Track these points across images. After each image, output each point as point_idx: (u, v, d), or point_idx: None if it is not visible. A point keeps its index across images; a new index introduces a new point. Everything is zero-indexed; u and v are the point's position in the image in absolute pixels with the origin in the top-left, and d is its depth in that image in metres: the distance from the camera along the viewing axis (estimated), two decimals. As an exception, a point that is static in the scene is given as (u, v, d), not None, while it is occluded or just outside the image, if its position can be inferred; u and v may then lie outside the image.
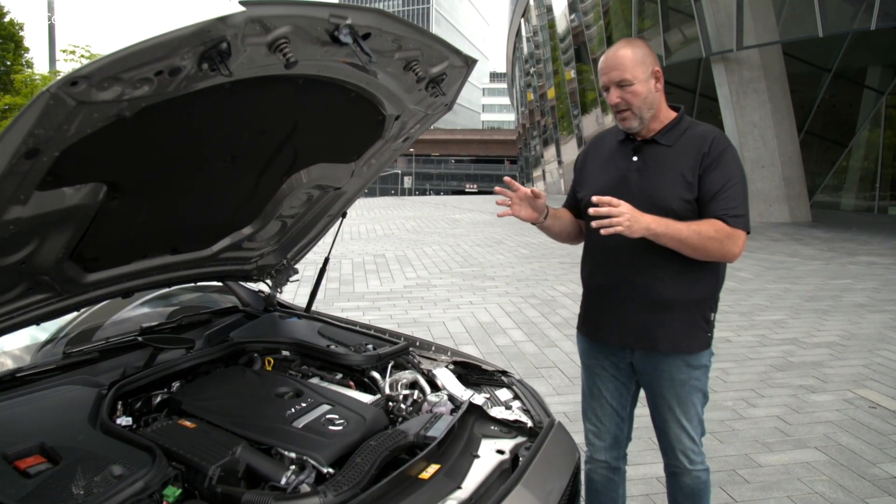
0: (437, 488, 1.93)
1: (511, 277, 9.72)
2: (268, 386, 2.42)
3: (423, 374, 2.72)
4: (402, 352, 2.82)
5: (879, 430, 4.36)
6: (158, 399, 2.39)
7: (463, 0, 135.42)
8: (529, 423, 2.40)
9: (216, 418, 2.15)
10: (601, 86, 2.46)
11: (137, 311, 3.22)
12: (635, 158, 2.47)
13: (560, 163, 32.90)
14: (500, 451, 2.18)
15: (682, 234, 2.27)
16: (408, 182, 75.04)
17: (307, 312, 3.36)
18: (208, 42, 1.55)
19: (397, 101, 2.40)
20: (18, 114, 1.42)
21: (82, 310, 2.90)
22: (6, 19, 31.19)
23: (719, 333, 6.68)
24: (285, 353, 2.81)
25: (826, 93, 18.93)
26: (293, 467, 1.94)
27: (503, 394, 2.68)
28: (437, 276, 9.97)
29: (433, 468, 1.99)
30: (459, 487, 1.96)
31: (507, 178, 2.55)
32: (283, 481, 1.88)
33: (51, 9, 19.34)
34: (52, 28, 19.14)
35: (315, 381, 2.63)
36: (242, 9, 1.52)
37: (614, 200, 2.20)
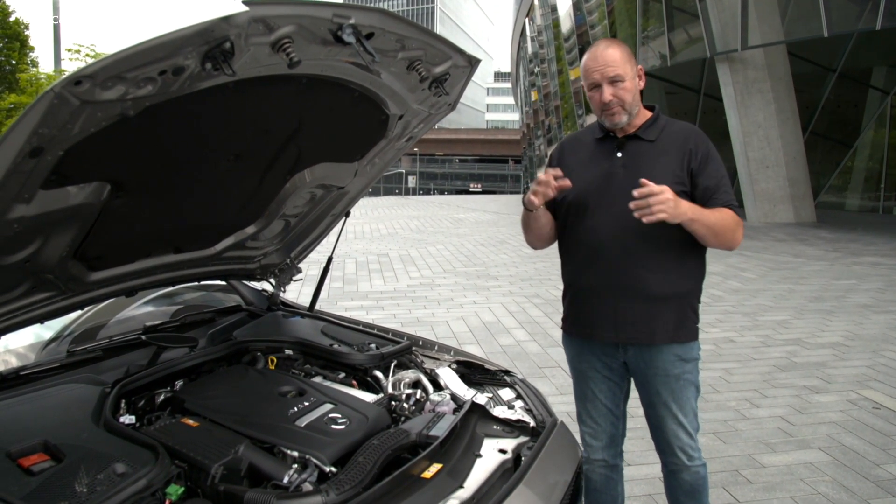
0: (440, 487, 1.93)
1: (514, 277, 9.72)
2: (271, 385, 2.43)
3: (425, 373, 2.72)
4: (404, 351, 2.82)
5: (883, 431, 4.35)
6: (162, 397, 2.40)
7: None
8: (532, 423, 2.40)
9: (219, 417, 2.15)
10: (589, 83, 2.45)
11: (141, 310, 3.23)
12: (619, 155, 2.49)
13: (564, 162, 32.85)
14: (503, 451, 2.18)
15: (711, 220, 2.33)
16: (412, 181, 75.08)
17: (310, 311, 3.36)
18: (212, 41, 1.55)
19: (401, 100, 2.40)
20: (22, 112, 1.43)
21: (87, 308, 2.91)
22: (11, 18, 31.26)
23: (723, 333, 6.70)
24: (288, 352, 2.82)
25: (831, 93, 18.89)
26: (296, 466, 1.95)
27: (506, 393, 2.68)
28: (441, 275, 9.98)
29: (435, 467, 1.99)
30: (461, 487, 1.96)
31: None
32: (286, 480, 1.88)
33: (56, 10, 19.38)
34: (56, 28, 19.19)
35: (318, 380, 2.63)
36: (246, 8, 1.53)
37: (656, 188, 2.18)
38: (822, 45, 15.30)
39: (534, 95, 37.66)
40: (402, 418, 2.40)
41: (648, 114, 2.52)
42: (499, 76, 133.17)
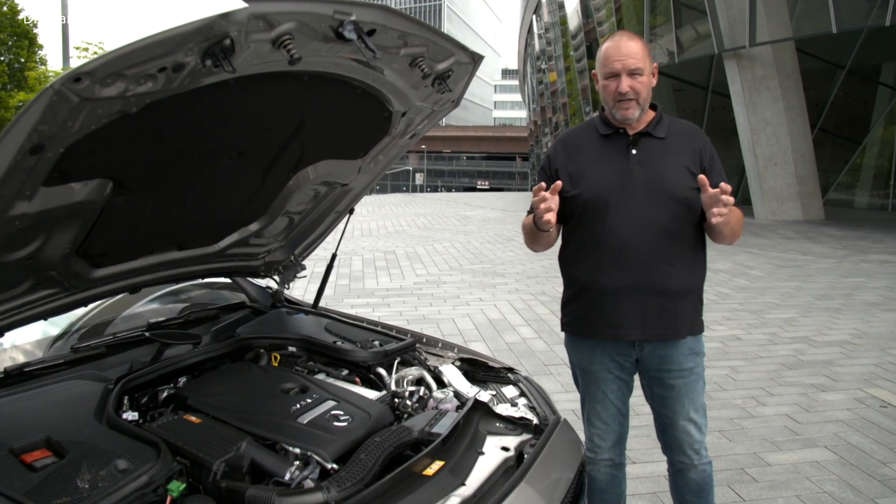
0: (441, 485, 1.93)
1: (521, 274, 9.71)
2: (273, 382, 2.43)
3: (429, 370, 2.72)
4: (408, 348, 2.82)
5: (890, 430, 4.33)
6: (165, 394, 2.40)
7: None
8: (535, 421, 2.39)
9: (222, 414, 2.16)
10: (606, 71, 2.42)
11: (148, 307, 3.24)
12: (634, 151, 2.47)
13: (571, 160, 32.80)
14: (505, 448, 2.18)
15: (735, 216, 2.39)
16: (419, 179, 75.10)
17: (314, 309, 3.37)
18: (211, 38, 1.55)
19: (403, 97, 2.40)
20: (22, 109, 1.43)
21: (94, 305, 2.92)
22: (20, 17, 31.39)
23: (729, 331, 6.68)
24: (292, 349, 2.82)
25: (840, 90, 18.77)
26: (297, 463, 1.95)
27: (509, 391, 2.68)
28: (448, 272, 9.98)
29: (437, 465, 2.00)
30: (464, 484, 1.96)
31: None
32: (288, 477, 1.89)
33: (64, 10, 19.43)
34: (65, 27, 19.23)
35: (321, 377, 2.63)
36: (245, 5, 1.52)
37: (728, 187, 2.24)
38: (830, 41, 15.21)
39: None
40: (405, 415, 2.39)
41: (652, 112, 2.52)
42: (506, 73, 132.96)
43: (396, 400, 2.49)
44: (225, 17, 1.52)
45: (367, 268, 10.39)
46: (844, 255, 11.17)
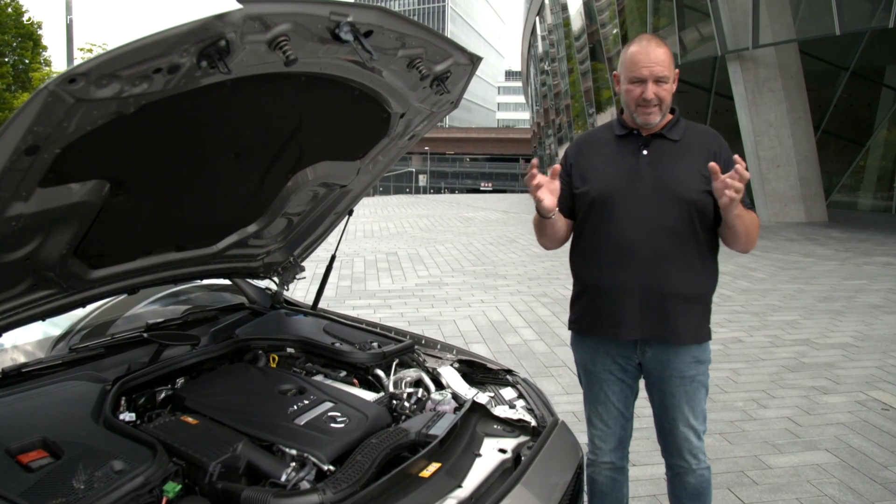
0: (438, 487, 1.92)
1: (523, 276, 9.70)
2: (271, 383, 2.43)
3: (427, 372, 2.72)
4: (406, 350, 2.81)
5: (891, 433, 4.32)
6: (162, 395, 2.40)
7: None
8: (533, 423, 2.39)
9: (219, 415, 2.16)
10: (632, 76, 2.41)
11: (149, 308, 3.24)
12: (645, 152, 2.48)
13: (574, 161, 32.78)
14: (503, 450, 2.17)
15: (748, 218, 2.40)
16: (422, 180, 75.06)
17: (313, 310, 3.36)
18: (206, 39, 1.55)
19: (402, 98, 2.39)
20: (17, 110, 1.43)
21: (96, 307, 2.93)
22: (25, 18, 31.47)
23: (731, 333, 6.66)
24: (290, 350, 2.82)
25: (844, 91, 18.74)
26: (294, 464, 1.95)
27: (507, 392, 2.67)
28: (449, 274, 9.97)
29: (434, 466, 1.99)
30: (460, 486, 1.95)
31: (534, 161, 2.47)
32: (284, 478, 1.88)
33: (69, 9, 19.46)
34: (69, 27, 19.25)
35: (319, 378, 2.63)
36: (240, 6, 1.52)
37: (746, 175, 2.24)
38: (834, 43, 15.18)
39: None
40: (403, 417, 2.39)
41: (670, 115, 2.52)
42: (510, 75, 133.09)
43: (394, 401, 2.49)
44: (220, 17, 1.52)
45: (369, 269, 10.39)
46: (847, 257, 11.15)
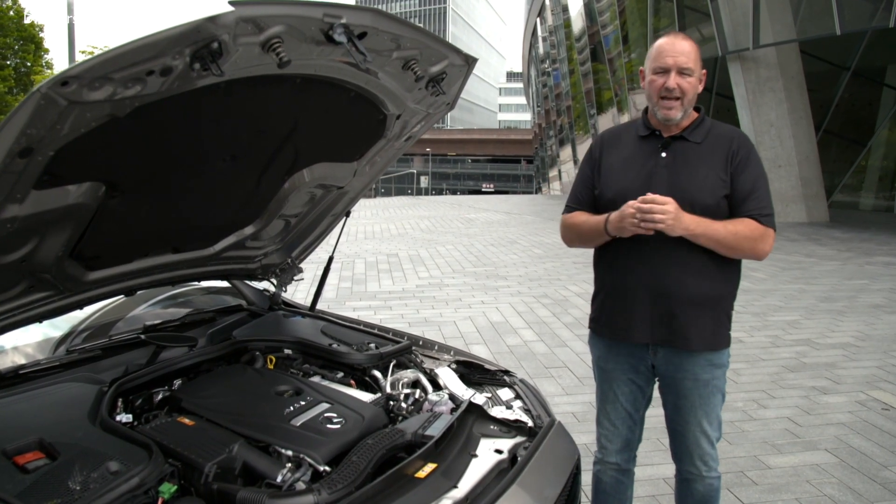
0: (433, 487, 1.92)
1: (524, 277, 9.70)
2: (268, 384, 2.43)
3: (425, 373, 2.72)
4: (404, 351, 2.82)
5: (892, 433, 4.31)
6: (160, 396, 2.41)
7: None
8: (530, 423, 2.39)
9: (215, 416, 2.16)
10: (656, 66, 2.40)
11: (151, 311, 3.25)
12: (664, 155, 2.45)
13: (576, 162, 32.79)
14: (499, 451, 2.17)
15: (720, 235, 2.32)
16: (424, 182, 75.11)
17: (311, 311, 3.37)
18: (199, 42, 1.55)
19: (398, 100, 2.40)
20: (10, 113, 1.43)
21: (97, 309, 2.94)
22: (27, 21, 31.54)
23: (732, 334, 6.63)
24: (287, 351, 2.82)
25: (845, 91, 18.72)
26: (290, 465, 1.95)
27: (505, 393, 2.67)
28: (450, 275, 9.97)
29: (430, 467, 1.99)
30: (456, 486, 1.95)
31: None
32: (279, 479, 1.89)
33: (70, 10, 19.48)
34: (71, 28, 19.25)
35: (316, 379, 2.63)
36: (232, 9, 1.53)
37: (659, 198, 2.23)
38: (835, 43, 15.16)
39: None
40: (400, 418, 2.39)
41: (695, 115, 2.50)
42: (511, 76, 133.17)
43: (391, 402, 2.49)
44: (212, 20, 1.52)
45: (370, 270, 10.39)
46: (849, 257, 11.13)
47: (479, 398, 2.53)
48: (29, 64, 31.63)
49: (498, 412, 2.44)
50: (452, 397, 2.53)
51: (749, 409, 4.73)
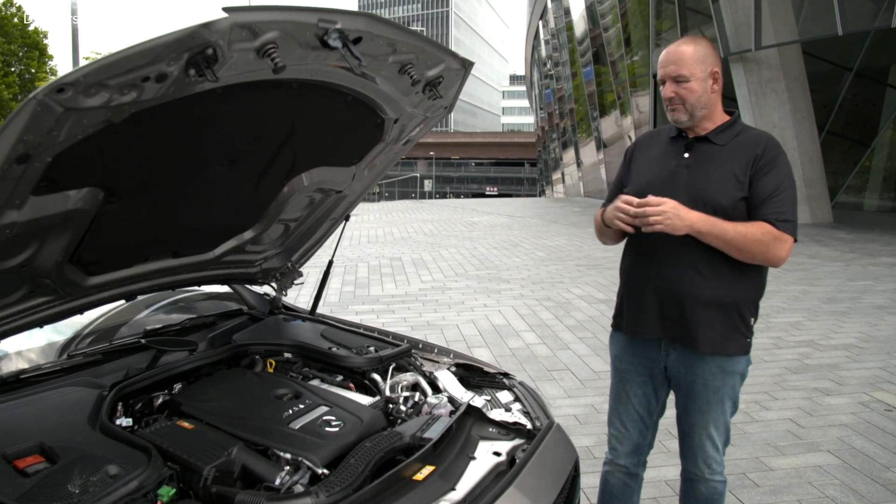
0: (431, 489, 1.93)
1: (526, 280, 9.70)
2: (267, 388, 2.44)
3: (424, 376, 2.73)
4: (403, 354, 2.82)
5: (894, 434, 4.30)
6: (160, 400, 2.42)
7: (482, 3, 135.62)
8: (528, 425, 2.39)
9: (215, 419, 2.17)
10: (659, 78, 2.45)
11: (150, 316, 3.26)
12: (686, 155, 2.47)
13: (579, 165, 32.79)
14: (497, 453, 2.18)
15: (728, 235, 2.29)
16: (428, 185, 75.13)
17: (311, 315, 3.38)
18: (193, 48, 1.56)
19: (395, 104, 2.41)
20: (7, 119, 1.45)
21: (101, 314, 2.95)
22: (31, 28, 31.69)
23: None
24: (287, 355, 2.83)
25: (848, 92, 18.67)
26: (288, 468, 1.96)
27: (504, 396, 2.68)
28: (453, 278, 9.98)
29: (428, 469, 2.00)
30: (453, 489, 1.96)
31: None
32: (278, 482, 1.90)
33: (74, 12, 19.58)
34: (75, 31, 19.34)
35: (315, 382, 2.64)
36: (225, 15, 1.54)
37: (654, 200, 2.24)
38: (837, 43, 15.14)
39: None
40: (399, 421, 2.40)
41: (727, 118, 2.48)
42: (514, 79, 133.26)
43: (390, 405, 2.50)
44: (206, 26, 1.54)
45: (373, 274, 10.40)
46: (853, 258, 11.11)
47: (478, 401, 2.53)
48: (33, 70, 31.80)
49: (497, 415, 2.45)
50: (452, 400, 2.54)
51: (751, 410, 4.72)
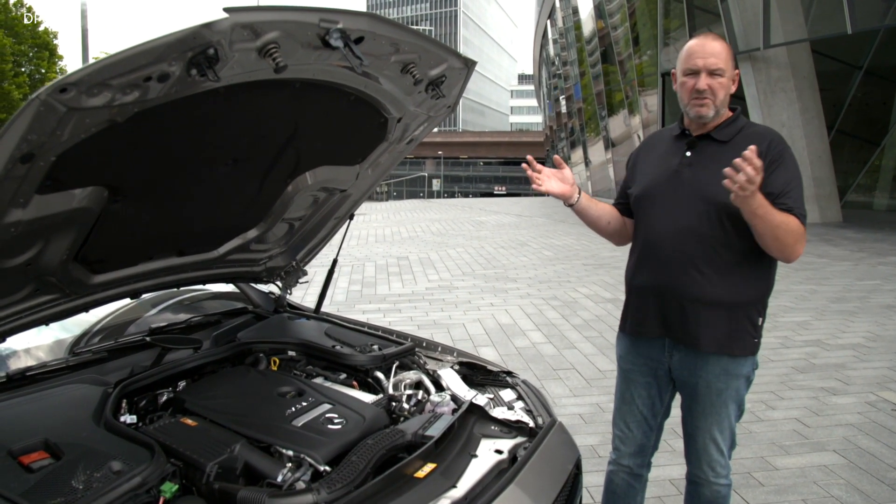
0: (432, 487, 1.94)
1: (533, 279, 9.70)
2: (271, 385, 2.46)
3: (427, 374, 2.74)
4: (407, 352, 2.83)
5: (901, 434, 4.29)
6: (164, 398, 2.44)
7: (491, 2, 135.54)
8: (531, 424, 2.40)
9: (218, 417, 2.19)
10: (686, 67, 2.39)
11: (158, 314, 3.28)
12: (688, 154, 2.46)
13: (587, 164, 32.71)
14: (499, 451, 2.19)
15: (776, 220, 2.21)
16: (436, 185, 75.12)
17: (316, 313, 3.39)
18: (195, 48, 1.58)
19: (398, 103, 2.42)
20: (10, 119, 1.46)
21: (108, 313, 2.97)
22: (41, 28, 31.86)
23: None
24: (291, 353, 2.85)
25: (858, 90, 18.56)
26: (290, 465, 1.97)
27: (507, 394, 2.68)
28: (460, 278, 9.98)
29: (429, 467, 2.01)
30: (454, 486, 1.97)
31: (529, 158, 2.59)
32: (280, 478, 1.91)
33: (84, 16, 19.69)
34: (85, 34, 19.45)
35: (319, 380, 2.66)
36: (226, 15, 1.55)
37: (758, 162, 2.05)
38: (847, 42, 15.06)
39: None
40: (402, 419, 2.41)
41: (728, 114, 2.47)
42: (522, 78, 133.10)
43: (393, 403, 2.51)
44: (208, 26, 1.55)
45: (380, 273, 10.42)
46: (861, 257, 11.05)
47: (481, 399, 2.54)
48: (43, 70, 31.98)
49: (499, 413, 2.46)
50: (454, 398, 2.55)
51: (757, 410, 4.71)
